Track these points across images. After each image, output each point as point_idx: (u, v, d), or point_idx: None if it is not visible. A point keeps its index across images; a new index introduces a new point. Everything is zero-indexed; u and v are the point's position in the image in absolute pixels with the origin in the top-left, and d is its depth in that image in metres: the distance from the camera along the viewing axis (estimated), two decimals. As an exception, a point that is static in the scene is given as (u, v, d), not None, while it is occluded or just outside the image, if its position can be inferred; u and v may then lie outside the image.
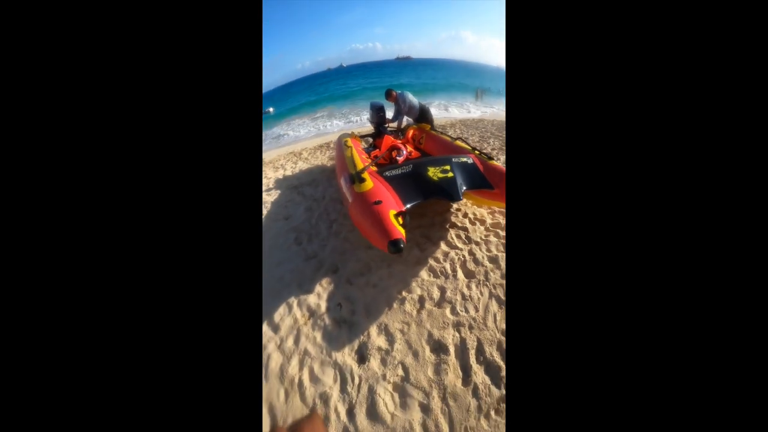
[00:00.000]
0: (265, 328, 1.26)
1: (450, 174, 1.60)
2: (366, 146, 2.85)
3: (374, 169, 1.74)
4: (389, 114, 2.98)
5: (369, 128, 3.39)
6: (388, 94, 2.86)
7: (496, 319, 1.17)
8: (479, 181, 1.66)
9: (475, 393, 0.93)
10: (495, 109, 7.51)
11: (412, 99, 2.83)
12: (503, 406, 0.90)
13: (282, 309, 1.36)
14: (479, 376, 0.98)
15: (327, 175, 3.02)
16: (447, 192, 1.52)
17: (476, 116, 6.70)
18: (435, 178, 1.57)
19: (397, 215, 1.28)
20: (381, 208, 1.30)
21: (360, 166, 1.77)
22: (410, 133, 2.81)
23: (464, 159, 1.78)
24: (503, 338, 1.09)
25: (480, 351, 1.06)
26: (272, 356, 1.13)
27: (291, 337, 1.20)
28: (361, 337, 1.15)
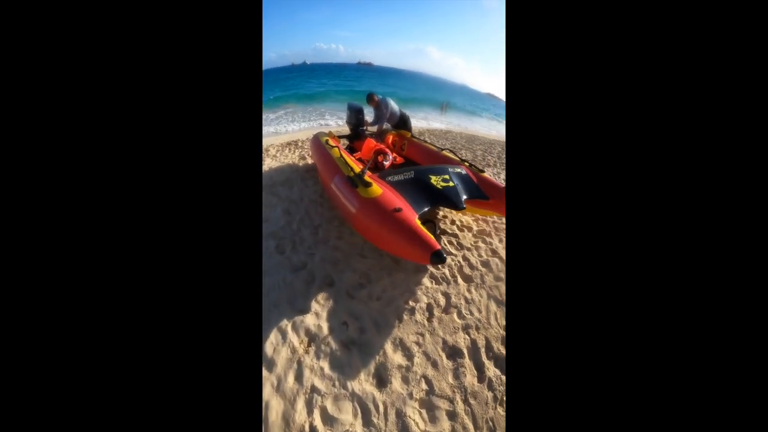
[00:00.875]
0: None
1: (451, 183, 1.73)
2: (343, 147, 2.90)
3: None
4: (368, 117, 3.10)
5: (335, 129, 3.45)
6: (370, 99, 2.96)
7: (497, 317, 1.34)
8: (475, 191, 1.84)
9: (490, 386, 1.06)
10: (461, 123, 8.25)
11: (394, 105, 3.00)
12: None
13: (274, 336, 1.22)
14: (491, 370, 1.12)
15: (301, 174, 2.94)
16: (451, 200, 1.62)
17: (443, 127, 7.29)
18: (438, 186, 1.66)
19: (423, 224, 1.29)
20: (406, 216, 1.28)
21: (356, 168, 1.73)
22: (390, 138, 2.95)
23: (459, 170, 1.95)
24: (505, 332, 1.25)
25: (489, 348, 1.20)
26: (270, 404, 0.97)
27: (291, 373, 1.07)
28: (377, 357, 1.15)
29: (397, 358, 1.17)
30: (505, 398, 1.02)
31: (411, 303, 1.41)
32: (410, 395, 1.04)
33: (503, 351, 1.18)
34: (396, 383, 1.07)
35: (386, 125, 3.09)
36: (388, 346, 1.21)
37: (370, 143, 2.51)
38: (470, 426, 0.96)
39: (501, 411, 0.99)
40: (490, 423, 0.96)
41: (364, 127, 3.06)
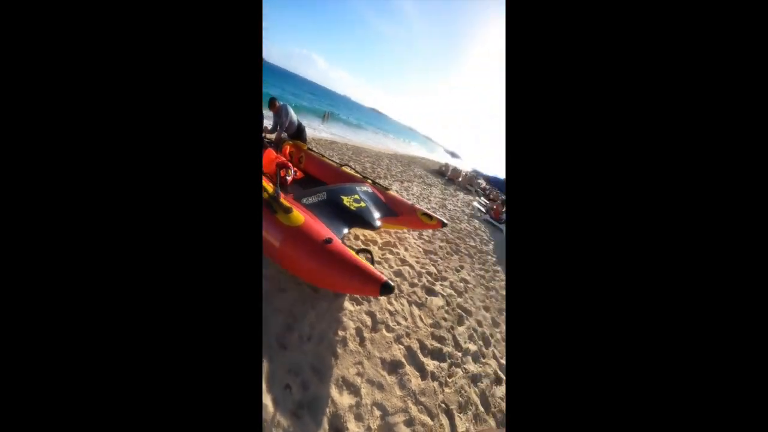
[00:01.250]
0: None
1: (363, 203, 1.81)
2: None
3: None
4: (267, 123, 2.89)
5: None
6: (272, 104, 2.79)
7: (422, 318, 1.58)
8: (385, 210, 2.00)
9: (433, 377, 1.26)
10: (344, 134, 8.66)
11: (293, 114, 2.93)
12: (452, 369, 1.31)
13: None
14: (430, 364, 1.32)
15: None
16: (366, 221, 1.69)
17: (328, 137, 7.42)
18: (352, 207, 1.69)
19: (358, 252, 1.26)
20: (340, 248, 1.19)
21: (269, 188, 1.49)
22: (287, 149, 2.78)
23: (365, 188, 2.08)
24: (433, 329, 1.52)
25: (423, 347, 1.41)
26: None
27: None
28: (328, 411, 1.07)
29: (345, 399, 1.13)
30: (447, 380, 1.24)
31: (341, 333, 1.39)
32: (368, 429, 1.05)
33: (436, 344, 1.42)
34: (351, 426, 1.05)
35: (283, 134, 2.95)
36: (334, 391, 1.15)
37: (271, 154, 2.25)
38: (427, 420, 1.10)
39: (448, 390, 1.20)
40: (443, 405, 1.14)
41: (263, 134, 2.80)
